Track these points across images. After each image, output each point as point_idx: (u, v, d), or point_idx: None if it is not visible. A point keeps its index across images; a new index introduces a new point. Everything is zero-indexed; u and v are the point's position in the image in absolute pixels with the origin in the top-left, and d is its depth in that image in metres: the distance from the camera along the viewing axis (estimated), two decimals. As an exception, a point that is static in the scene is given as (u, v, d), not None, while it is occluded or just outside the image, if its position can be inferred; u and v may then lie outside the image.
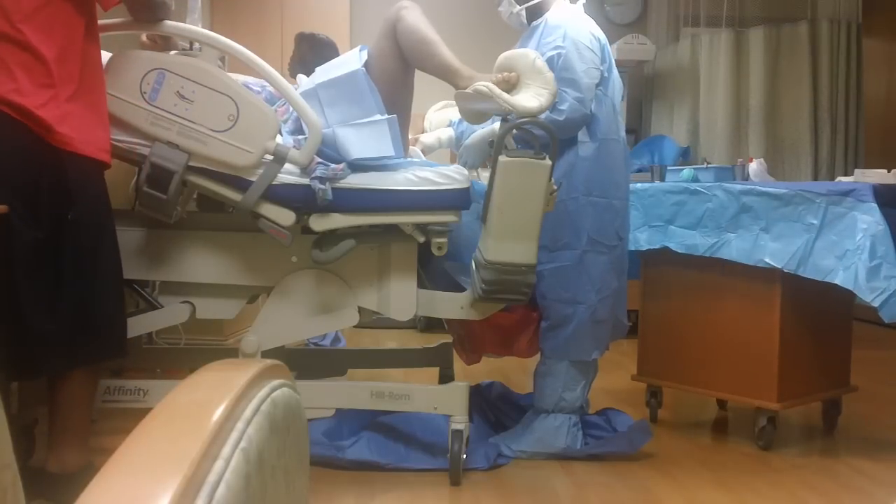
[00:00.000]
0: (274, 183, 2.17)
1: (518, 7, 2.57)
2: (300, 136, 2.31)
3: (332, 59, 2.65)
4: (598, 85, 2.46)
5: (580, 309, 2.50)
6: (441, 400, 2.34)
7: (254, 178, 2.17)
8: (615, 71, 2.57)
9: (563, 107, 2.38)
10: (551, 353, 2.56)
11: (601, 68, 2.47)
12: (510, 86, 2.19)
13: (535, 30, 2.56)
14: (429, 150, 2.72)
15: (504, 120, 2.20)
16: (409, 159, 2.44)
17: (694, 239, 2.71)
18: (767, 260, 2.52)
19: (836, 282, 2.40)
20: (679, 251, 2.74)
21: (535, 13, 2.57)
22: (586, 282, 2.50)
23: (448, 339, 2.88)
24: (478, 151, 2.58)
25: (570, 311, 2.51)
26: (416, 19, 2.34)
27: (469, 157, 2.59)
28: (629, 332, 2.76)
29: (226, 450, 0.49)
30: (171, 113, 2.11)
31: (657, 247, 2.80)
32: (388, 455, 2.40)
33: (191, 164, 2.14)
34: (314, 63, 2.66)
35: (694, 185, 2.80)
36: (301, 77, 2.57)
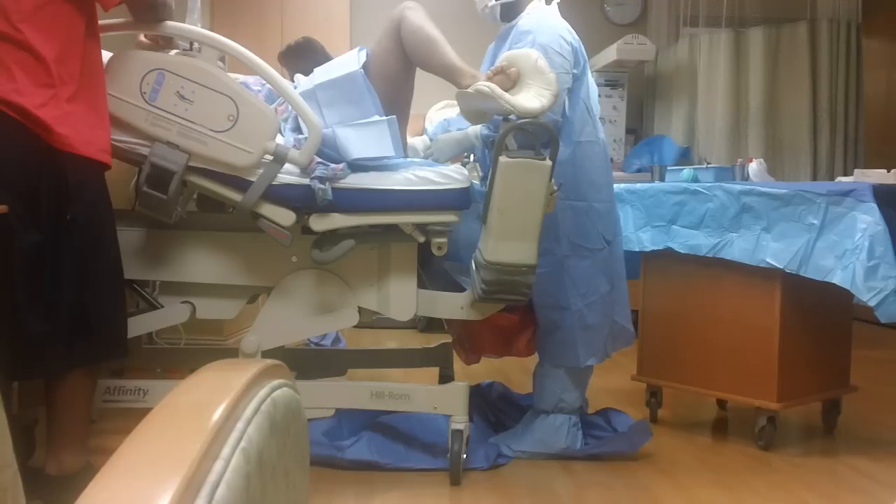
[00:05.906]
0: (274, 183, 2.18)
1: (493, 2, 2.53)
2: (300, 136, 2.31)
3: (317, 55, 2.64)
4: (570, 89, 2.42)
5: (566, 315, 2.50)
6: (441, 400, 2.34)
7: (254, 179, 2.17)
8: (589, 73, 2.53)
9: None
10: (544, 358, 2.57)
11: (572, 72, 2.42)
12: (511, 82, 2.18)
13: (507, 33, 2.53)
14: (424, 148, 2.70)
15: (505, 120, 2.20)
16: (408, 159, 2.44)
17: (697, 239, 2.71)
18: (769, 260, 2.52)
19: (835, 281, 2.40)
20: (682, 251, 2.74)
21: (509, 12, 2.52)
22: (570, 287, 2.49)
23: (448, 339, 2.88)
24: (448, 148, 2.59)
25: (557, 317, 2.51)
26: (421, 19, 2.34)
27: (439, 151, 2.60)
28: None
29: (226, 450, 0.49)
30: (170, 113, 2.11)
31: (661, 247, 2.80)
32: (388, 455, 2.40)
33: (191, 164, 2.14)
34: (308, 66, 2.64)
35: (694, 186, 2.79)
36: (299, 77, 2.57)
